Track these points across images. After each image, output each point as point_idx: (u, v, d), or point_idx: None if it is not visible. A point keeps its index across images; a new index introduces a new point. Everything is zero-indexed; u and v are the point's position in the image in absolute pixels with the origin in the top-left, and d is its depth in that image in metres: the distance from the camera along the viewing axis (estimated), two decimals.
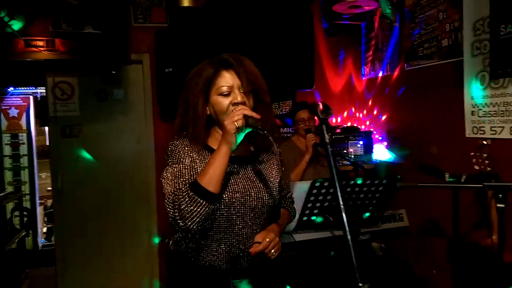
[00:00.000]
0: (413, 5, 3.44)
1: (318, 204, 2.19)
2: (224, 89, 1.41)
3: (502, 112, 2.64)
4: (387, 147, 3.91)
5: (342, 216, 0.88)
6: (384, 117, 3.97)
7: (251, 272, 1.50)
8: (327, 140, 1.05)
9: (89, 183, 3.76)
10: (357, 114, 4.39)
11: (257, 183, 1.50)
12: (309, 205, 2.19)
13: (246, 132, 1.36)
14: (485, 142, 2.19)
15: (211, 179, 1.31)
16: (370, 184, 2.19)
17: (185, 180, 1.38)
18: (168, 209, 1.33)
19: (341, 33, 4.28)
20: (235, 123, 1.31)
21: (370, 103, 4.17)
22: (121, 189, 3.83)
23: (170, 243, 1.57)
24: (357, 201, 2.24)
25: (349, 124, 4.38)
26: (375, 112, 4.10)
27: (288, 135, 3.60)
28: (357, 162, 3.23)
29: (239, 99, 1.40)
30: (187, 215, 1.29)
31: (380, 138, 4.01)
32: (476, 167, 2.23)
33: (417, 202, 3.22)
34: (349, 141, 3.88)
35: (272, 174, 1.58)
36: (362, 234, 2.42)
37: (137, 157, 3.84)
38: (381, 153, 3.94)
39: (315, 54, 3.99)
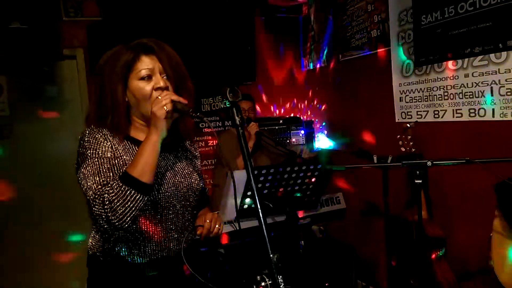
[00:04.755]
0: None
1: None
2: (144, 72, 1.34)
3: (426, 97, 2.83)
4: (327, 135, 4.06)
5: (253, 190, 0.92)
6: (323, 107, 4.11)
7: (180, 261, 1.46)
8: (238, 122, 1.08)
9: (25, 186, 3.57)
10: (299, 105, 4.50)
11: (183, 170, 1.49)
12: (249, 193, 2.24)
13: (174, 118, 1.33)
14: (408, 125, 2.35)
15: (144, 170, 1.26)
16: (305, 170, 2.27)
17: (111, 173, 1.30)
18: (96, 206, 1.24)
19: (280, 26, 4.36)
20: (164, 107, 1.27)
21: (310, 94, 4.30)
22: (61, 191, 3.67)
23: (90, 245, 1.47)
24: (295, 186, 2.32)
25: (292, 115, 4.49)
26: (315, 103, 4.24)
27: (229, 127, 3.64)
28: (294, 151, 3.33)
29: (161, 83, 1.35)
30: (121, 210, 1.22)
31: (321, 127, 4.16)
32: (402, 149, 2.39)
33: (354, 186, 3.39)
34: (291, 131, 3.98)
35: (194, 161, 1.59)
36: (302, 218, 2.51)
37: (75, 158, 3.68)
38: (323, 141, 4.09)
39: (256, 48, 4.05)
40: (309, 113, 4.36)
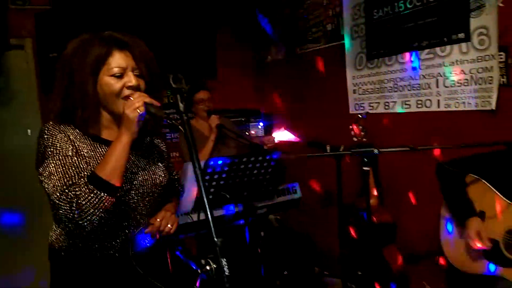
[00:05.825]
0: None
1: (214, 183, 2.25)
2: (117, 70, 1.30)
3: (377, 89, 2.94)
4: (286, 127, 4.12)
5: (197, 177, 0.93)
6: (281, 99, 4.16)
7: (142, 257, 1.46)
8: (182, 109, 1.09)
9: None
10: (258, 97, 4.53)
11: (149, 167, 1.47)
12: (206, 184, 2.24)
13: (146, 120, 1.29)
14: (360, 116, 2.43)
15: (113, 172, 1.24)
16: (262, 160, 2.30)
17: (77, 173, 1.26)
18: (63, 208, 1.20)
19: (238, 19, 4.35)
20: (137, 110, 1.24)
21: (269, 86, 4.34)
22: (11, 189, 3.51)
23: (51, 239, 1.44)
24: (252, 177, 2.34)
25: (251, 107, 4.51)
26: (273, 95, 4.28)
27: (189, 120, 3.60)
28: (257, 143, 3.36)
29: (133, 82, 1.31)
30: (89, 212, 1.20)
31: (279, 119, 4.21)
32: (354, 139, 2.47)
33: (311, 176, 3.47)
34: (250, 123, 4.01)
35: (158, 157, 1.55)
36: (259, 208, 2.55)
37: (28, 152, 3.52)
38: (281, 133, 4.14)
39: (216, 40, 4.03)
40: (268, 105, 4.40)
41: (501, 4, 2.18)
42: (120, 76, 1.31)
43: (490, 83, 2.26)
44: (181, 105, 1.09)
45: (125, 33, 1.37)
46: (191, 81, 3.91)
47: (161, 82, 1.41)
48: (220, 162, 2.21)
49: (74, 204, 1.20)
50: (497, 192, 1.85)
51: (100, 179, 1.22)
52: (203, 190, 0.92)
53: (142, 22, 3.27)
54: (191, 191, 2.16)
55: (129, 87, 1.31)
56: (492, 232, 1.83)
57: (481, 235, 1.82)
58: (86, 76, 1.28)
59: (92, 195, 1.21)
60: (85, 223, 1.22)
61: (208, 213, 0.88)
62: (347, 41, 3.14)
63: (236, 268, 2.81)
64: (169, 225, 1.49)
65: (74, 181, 1.24)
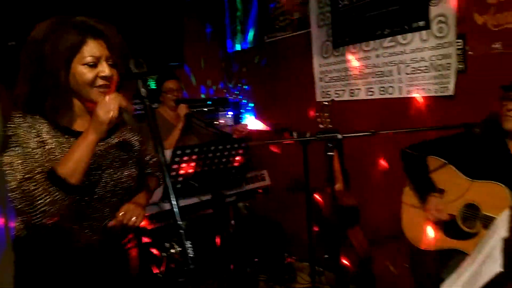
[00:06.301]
0: None
1: (182, 172, 2.25)
2: (90, 59, 1.26)
3: (343, 77, 3.00)
4: (255, 115, 4.14)
5: (162, 165, 0.94)
6: (250, 88, 4.17)
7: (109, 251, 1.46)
8: (144, 94, 1.08)
9: None
10: (227, 86, 4.53)
11: (112, 165, 1.42)
12: (173, 173, 2.23)
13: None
14: (325, 103, 2.47)
15: (74, 171, 1.20)
16: (230, 148, 2.31)
17: (36, 166, 1.22)
18: (17, 199, 1.18)
19: (206, 6, 4.31)
20: (111, 113, 1.21)
21: (237, 75, 4.33)
22: None
23: (16, 228, 1.40)
24: (220, 165, 2.35)
25: (220, 96, 4.50)
26: (242, 84, 4.29)
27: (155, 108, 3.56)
28: (227, 132, 3.36)
29: (107, 71, 1.28)
30: (42, 208, 1.18)
31: (248, 108, 4.22)
32: (321, 125, 2.51)
33: (279, 163, 3.52)
34: (219, 112, 4.00)
35: (128, 151, 1.50)
36: (228, 196, 2.57)
37: None
38: (251, 121, 4.16)
39: (184, 28, 3.98)
40: (237, 94, 4.41)
41: None
42: (93, 65, 1.27)
43: (448, 70, 2.35)
44: (143, 90, 1.08)
45: (99, 20, 1.33)
46: (158, 68, 3.87)
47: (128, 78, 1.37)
48: (187, 150, 2.21)
49: (29, 197, 1.17)
50: (456, 169, 1.97)
51: (59, 177, 1.20)
52: (165, 172, 0.92)
53: (107, 7, 3.19)
54: None
55: (102, 77, 1.28)
56: (451, 207, 1.94)
57: (440, 209, 1.94)
58: (59, 63, 1.24)
59: (48, 191, 1.18)
60: (38, 219, 1.19)
61: (171, 193, 0.89)
62: (313, 30, 3.17)
63: (206, 257, 2.83)
64: (133, 219, 1.45)
65: (32, 175, 1.20)
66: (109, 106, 1.22)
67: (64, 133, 1.32)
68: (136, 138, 1.55)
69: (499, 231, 1.04)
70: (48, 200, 1.18)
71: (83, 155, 1.22)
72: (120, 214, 1.44)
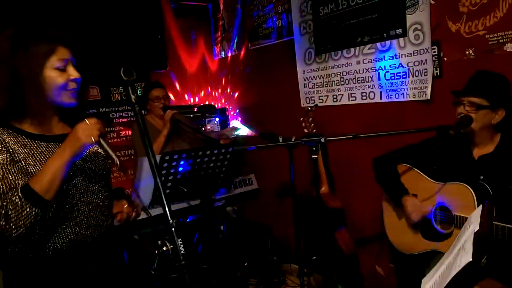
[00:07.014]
0: None
1: (170, 177, 2.29)
2: (59, 64, 1.34)
3: (326, 83, 3.09)
4: (242, 121, 4.21)
5: (152, 166, 0.99)
6: (236, 94, 4.24)
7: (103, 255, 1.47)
8: (134, 100, 1.14)
9: None
10: (213, 93, 4.59)
11: (91, 173, 1.44)
12: (163, 178, 2.28)
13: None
14: (309, 108, 2.57)
15: (50, 187, 1.23)
16: (217, 154, 2.37)
17: (10, 182, 1.23)
18: None
19: (190, 14, 4.37)
20: (92, 138, 1.27)
21: (223, 82, 4.40)
22: None
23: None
24: (208, 170, 2.41)
25: (206, 103, 4.55)
26: (228, 90, 4.35)
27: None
28: (214, 138, 3.41)
29: (75, 74, 1.37)
30: (16, 222, 1.19)
31: (234, 114, 4.29)
32: (305, 130, 2.60)
33: (266, 167, 3.59)
34: (206, 119, 4.05)
35: (101, 164, 1.51)
36: (217, 200, 2.62)
37: None
38: (237, 127, 4.23)
39: (167, 36, 4.04)
40: (223, 100, 4.47)
41: (432, 2, 2.38)
42: (63, 70, 1.35)
43: (425, 75, 2.46)
44: (132, 96, 1.14)
45: (56, 30, 1.40)
46: (142, 74, 3.92)
47: (89, 80, 1.48)
48: (175, 156, 2.26)
49: (2, 212, 1.19)
50: (424, 175, 2.03)
51: (33, 193, 1.21)
52: (156, 173, 0.98)
53: (90, 15, 3.23)
54: (148, 185, 2.19)
55: (72, 80, 1.36)
56: (425, 211, 2.00)
57: (416, 209, 1.99)
58: (34, 69, 1.30)
59: (21, 207, 1.20)
60: (13, 234, 1.21)
61: (162, 191, 0.94)
62: (296, 37, 3.27)
63: (197, 260, 2.87)
64: (134, 215, 1.56)
65: (5, 192, 1.22)
66: (92, 131, 1.28)
67: (39, 139, 1.36)
68: (107, 161, 1.56)
69: (472, 226, 1.12)
70: (21, 215, 1.20)
71: (58, 171, 1.24)
72: (126, 206, 1.51)
